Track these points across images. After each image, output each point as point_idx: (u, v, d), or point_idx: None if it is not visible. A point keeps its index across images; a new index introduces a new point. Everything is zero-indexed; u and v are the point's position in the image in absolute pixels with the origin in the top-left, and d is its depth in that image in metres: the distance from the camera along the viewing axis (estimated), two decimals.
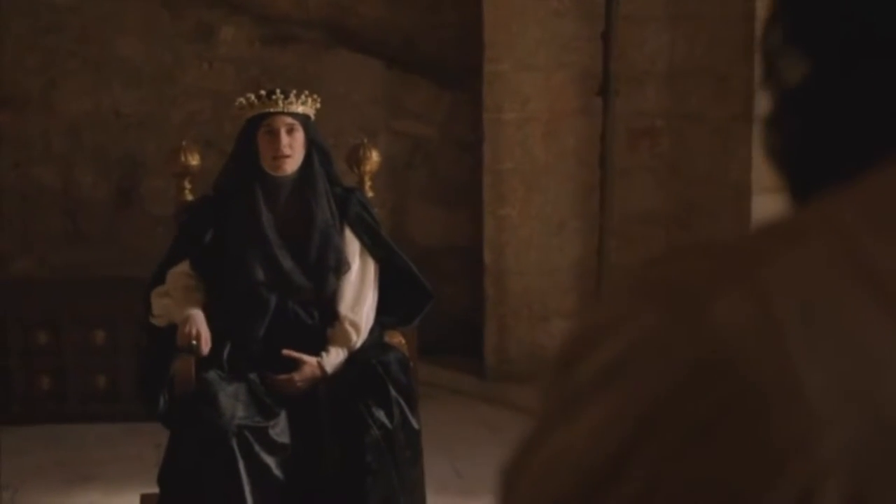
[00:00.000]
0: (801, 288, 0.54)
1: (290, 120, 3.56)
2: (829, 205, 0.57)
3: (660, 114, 5.77)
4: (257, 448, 3.36)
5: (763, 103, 0.64)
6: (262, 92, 3.61)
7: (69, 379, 5.28)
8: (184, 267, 3.61)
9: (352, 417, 3.41)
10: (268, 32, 6.17)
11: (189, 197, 3.87)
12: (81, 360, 5.28)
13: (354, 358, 3.53)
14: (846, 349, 0.52)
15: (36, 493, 4.57)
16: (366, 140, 4.11)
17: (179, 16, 6.12)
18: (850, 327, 0.53)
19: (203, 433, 3.33)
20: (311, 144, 3.61)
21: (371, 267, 3.65)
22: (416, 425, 3.52)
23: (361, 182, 3.92)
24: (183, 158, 3.91)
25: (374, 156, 3.95)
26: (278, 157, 3.55)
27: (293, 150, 3.56)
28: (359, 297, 3.60)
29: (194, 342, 3.41)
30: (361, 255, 3.65)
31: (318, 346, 3.53)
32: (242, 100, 3.63)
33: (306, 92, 3.64)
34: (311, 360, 3.50)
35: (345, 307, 3.57)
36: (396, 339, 3.76)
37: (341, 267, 3.60)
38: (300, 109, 3.59)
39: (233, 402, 3.38)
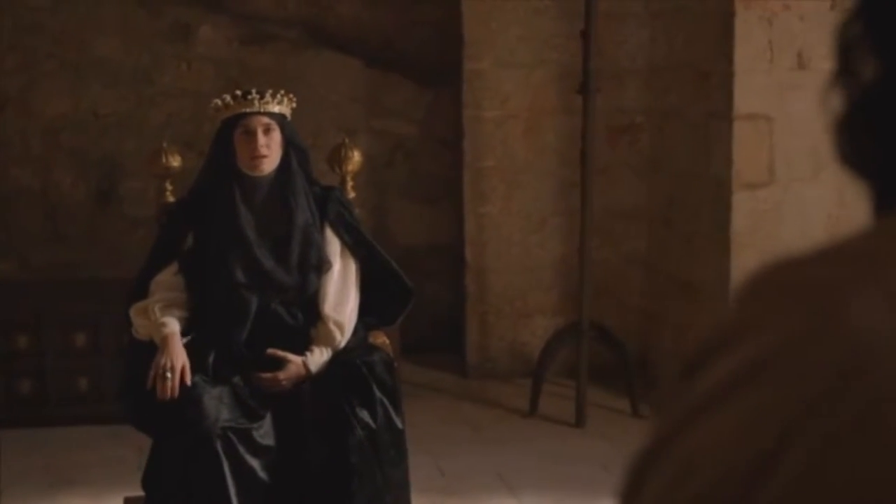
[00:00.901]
0: None
1: (266, 120, 3.55)
2: None
3: (640, 110, 5.78)
4: (242, 450, 3.36)
5: (834, 103, 0.64)
6: (238, 92, 3.59)
7: (50, 381, 5.24)
8: (166, 275, 3.58)
9: (336, 418, 3.40)
10: (246, 32, 6.15)
11: (170, 198, 3.85)
12: (62, 362, 5.24)
13: (339, 359, 3.52)
14: None
15: (20, 497, 4.54)
16: (347, 139, 4.10)
17: (157, 14, 6.10)
18: None
19: (188, 436, 3.32)
20: (289, 144, 3.60)
21: (353, 266, 3.64)
22: (400, 425, 3.51)
23: (343, 182, 3.91)
24: (164, 160, 3.90)
25: (356, 155, 3.94)
26: (256, 157, 3.53)
27: (270, 150, 3.55)
28: (342, 296, 3.59)
29: (168, 374, 3.38)
30: (343, 255, 3.64)
31: (302, 347, 3.52)
32: (218, 101, 3.61)
33: (282, 91, 3.63)
34: (295, 358, 3.49)
35: (328, 307, 3.56)
36: (381, 339, 3.76)
37: (323, 265, 3.59)
38: (276, 109, 3.58)
39: (217, 404, 3.37)
